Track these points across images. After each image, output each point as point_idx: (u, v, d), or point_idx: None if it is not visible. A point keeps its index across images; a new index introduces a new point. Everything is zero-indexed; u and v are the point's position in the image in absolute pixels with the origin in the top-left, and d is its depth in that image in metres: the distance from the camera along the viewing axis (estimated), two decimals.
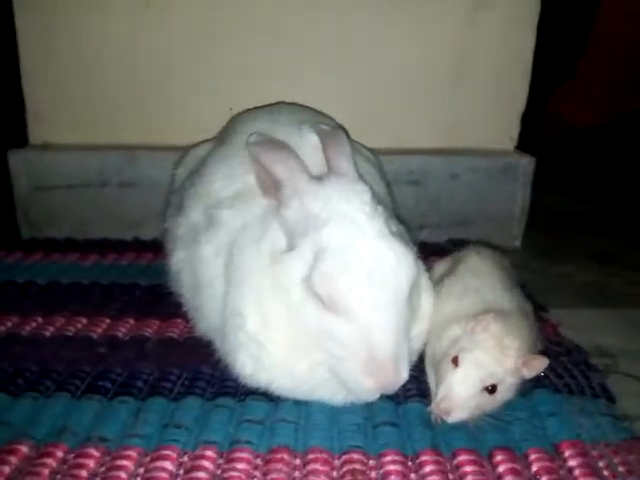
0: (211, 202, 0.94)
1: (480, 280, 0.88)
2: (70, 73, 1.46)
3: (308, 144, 0.94)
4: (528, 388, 0.85)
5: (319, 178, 0.82)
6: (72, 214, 1.51)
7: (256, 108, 1.18)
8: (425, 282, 0.88)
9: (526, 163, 1.53)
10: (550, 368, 0.90)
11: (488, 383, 0.72)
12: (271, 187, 0.83)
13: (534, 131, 1.97)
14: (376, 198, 0.82)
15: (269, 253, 0.80)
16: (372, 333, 0.72)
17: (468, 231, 1.52)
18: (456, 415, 0.72)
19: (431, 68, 1.49)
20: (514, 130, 1.56)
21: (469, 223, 1.55)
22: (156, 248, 1.33)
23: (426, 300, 0.85)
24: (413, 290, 0.78)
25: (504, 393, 0.74)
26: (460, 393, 0.72)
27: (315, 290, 0.73)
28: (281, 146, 0.85)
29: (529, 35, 1.47)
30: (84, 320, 1.07)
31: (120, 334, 1.03)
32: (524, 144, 1.58)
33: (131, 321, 1.07)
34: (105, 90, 1.48)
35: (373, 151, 1.23)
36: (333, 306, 0.72)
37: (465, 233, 1.51)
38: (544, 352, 0.93)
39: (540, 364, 0.73)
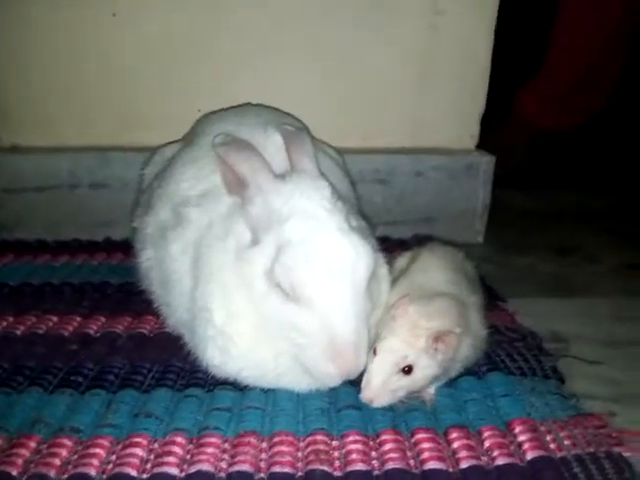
0: (178, 201, 0.97)
1: (426, 276, 0.92)
2: (39, 74, 1.47)
3: (272, 144, 0.98)
4: (483, 371, 0.90)
5: (282, 176, 0.86)
6: (43, 216, 1.52)
7: (222, 110, 1.21)
8: (384, 273, 0.92)
9: (487, 161, 1.59)
10: (505, 353, 0.96)
11: (402, 366, 0.76)
12: (236, 185, 0.86)
13: (498, 132, 2.04)
14: (337, 194, 0.86)
15: (234, 249, 0.83)
16: (332, 321, 0.76)
17: (432, 227, 1.57)
18: (379, 401, 0.77)
19: (395, 70, 1.54)
20: (475, 129, 1.62)
21: (433, 219, 1.60)
22: (127, 248, 1.35)
23: (385, 290, 0.89)
24: (372, 281, 0.83)
25: (424, 371, 0.77)
26: (377, 381, 0.76)
27: (277, 281, 0.77)
28: (246, 146, 0.89)
29: (486, 37, 1.53)
30: (55, 319, 1.09)
31: (91, 331, 1.05)
32: (484, 143, 1.63)
33: (102, 319, 1.09)
34: (75, 91, 1.49)
35: (339, 150, 1.27)
36: (295, 297, 0.76)
37: (430, 229, 1.56)
38: (498, 340, 1.00)
39: (451, 339, 0.76)
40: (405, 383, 0.78)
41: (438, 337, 0.76)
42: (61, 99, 1.50)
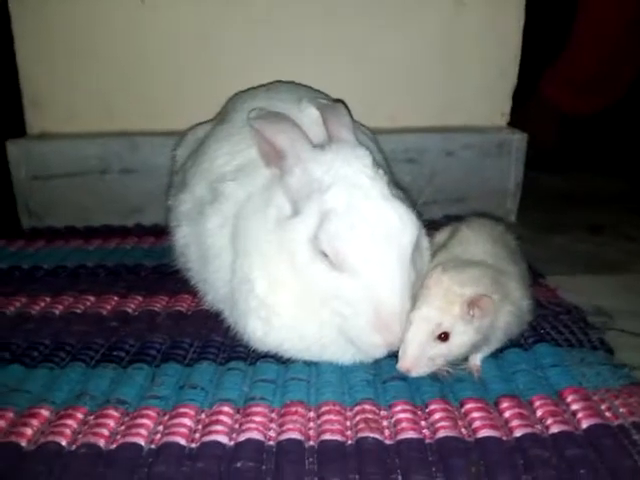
0: (214, 177, 0.97)
1: (463, 248, 0.90)
2: (67, 61, 1.47)
3: (308, 117, 0.96)
4: (530, 343, 0.88)
5: (321, 146, 0.84)
6: (73, 202, 1.52)
7: (253, 88, 1.20)
8: (426, 245, 0.90)
9: (518, 139, 1.55)
10: (551, 325, 0.94)
11: (437, 333, 0.75)
12: (274, 157, 0.85)
13: (527, 112, 2.00)
14: (376, 163, 0.84)
15: (274, 220, 0.82)
16: (378, 291, 0.74)
17: (464, 207, 1.55)
18: (416, 370, 0.76)
19: (424, 49, 1.51)
20: (506, 106, 1.59)
21: (464, 199, 1.58)
22: (158, 232, 1.36)
23: (426, 262, 0.87)
24: (415, 251, 0.81)
25: (461, 337, 0.76)
26: (412, 350, 0.75)
27: (322, 249, 0.75)
28: (282, 118, 0.88)
29: (517, 13, 1.50)
30: (92, 298, 1.09)
31: (130, 309, 1.05)
32: (516, 121, 1.60)
33: (139, 298, 1.09)
34: (103, 77, 1.49)
35: (369, 130, 1.25)
36: (339, 265, 0.75)
37: (461, 209, 1.53)
38: (542, 314, 0.97)
39: (485, 303, 0.74)
40: (442, 351, 0.76)
41: (472, 302, 0.75)
42: (89, 86, 1.50)
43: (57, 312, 1.04)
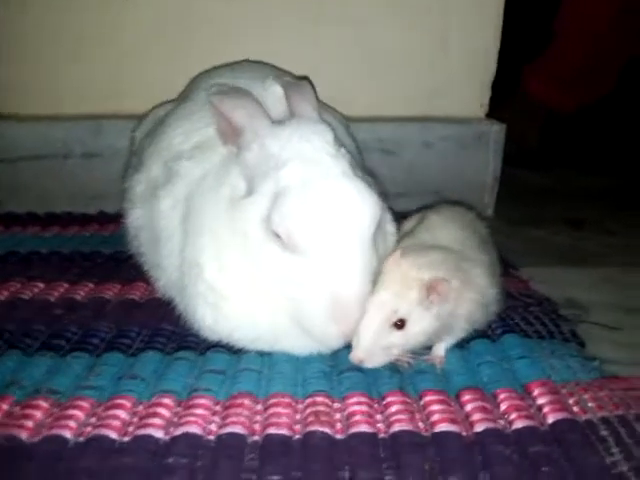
0: (170, 156, 0.91)
1: (430, 234, 0.86)
2: (32, 42, 1.40)
3: (272, 95, 0.92)
4: (498, 334, 0.83)
5: (281, 122, 0.79)
6: (36, 187, 1.45)
7: (219, 66, 1.14)
8: (391, 230, 0.85)
9: (497, 130, 1.51)
10: (521, 317, 0.89)
11: (394, 320, 0.70)
12: (231, 134, 0.80)
13: (510, 108, 1.97)
14: (339, 141, 0.79)
15: (228, 199, 0.77)
16: (335, 275, 0.69)
17: (440, 200, 1.50)
18: (371, 361, 0.71)
19: (402, 36, 1.46)
20: (485, 97, 1.55)
21: (441, 191, 1.53)
22: (120, 220, 1.29)
23: (392, 246, 0.82)
24: (378, 235, 0.76)
25: (419, 325, 0.71)
26: (366, 339, 0.69)
27: (274, 229, 0.70)
28: (242, 93, 0.82)
29: (497, 2, 1.46)
30: (41, 285, 1.03)
31: (78, 297, 0.99)
32: (494, 112, 1.56)
33: (90, 285, 1.03)
34: (67, 58, 1.42)
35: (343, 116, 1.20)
36: (293, 246, 0.69)
37: (437, 202, 1.48)
38: (512, 305, 0.93)
39: (444, 288, 0.70)
40: (399, 339, 0.71)
41: (431, 287, 0.70)
42: (54, 67, 1.43)
43: (2, 298, 0.98)
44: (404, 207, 1.44)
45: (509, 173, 1.58)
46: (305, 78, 0.98)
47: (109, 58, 1.42)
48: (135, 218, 0.95)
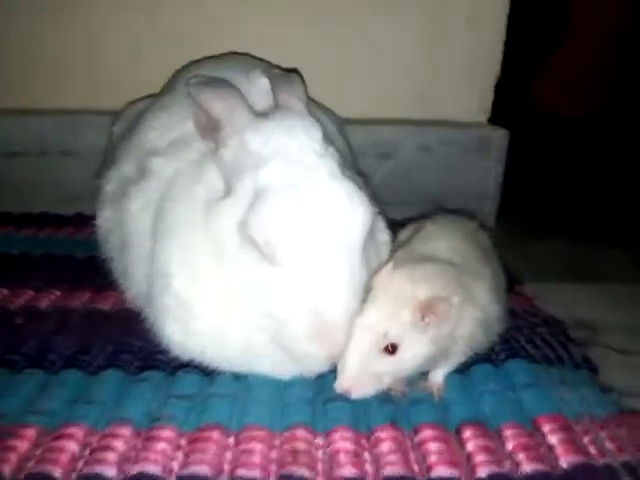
0: (144, 152, 0.83)
1: (427, 245, 0.78)
2: (6, 32, 1.31)
3: (257, 89, 0.83)
4: (501, 358, 0.75)
5: (264, 115, 0.71)
6: (10, 186, 1.37)
7: (202, 58, 1.06)
8: (384, 240, 0.77)
9: (500, 136, 1.43)
10: (526, 338, 0.81)
11: (384, 344, 0.61)
12: (210, 129, 0.71)
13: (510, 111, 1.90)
14: (330, 140, 0.71)
15: (203, 201, 0.68)
16: (317, 288, 0.61)
17: (439, 208, 1.42)
18: (358, 391, 0.62)
19: (399, 34, 1.38)
20: (487, 101, 1.47)
21: (440, 199, 1.45)
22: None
23: (384, 254, 0.74)
24: (369, 245, 0.68)
25: (412, 350, 0.62)
26: (352, 366, 0.61)
27: (251, 236, 0.61)
28: (223, 84, 0.74)
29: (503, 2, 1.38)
30: (5, 291, 0.95)
31: (43, 306, 0.90)
32: (497, 117, 1.48)
33: (57, 293, 0.95)
34: (44, 48, 1.33)
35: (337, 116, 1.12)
36: (272, 255, 0.61)
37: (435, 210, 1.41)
38: (517, 325, 0.85)
39: (443, 307, 0.61)
40: (389, 366, 0.62)
41: (427, 306, 0.61)
42: (30, 57, 1.34)
43: None
44: (399, 216, 1.37)
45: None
46: (294, 71, 0.89)
47: (88, 47, 1.33)
48: (104, 220, 0.87)
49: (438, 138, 1.41)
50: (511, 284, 1.00)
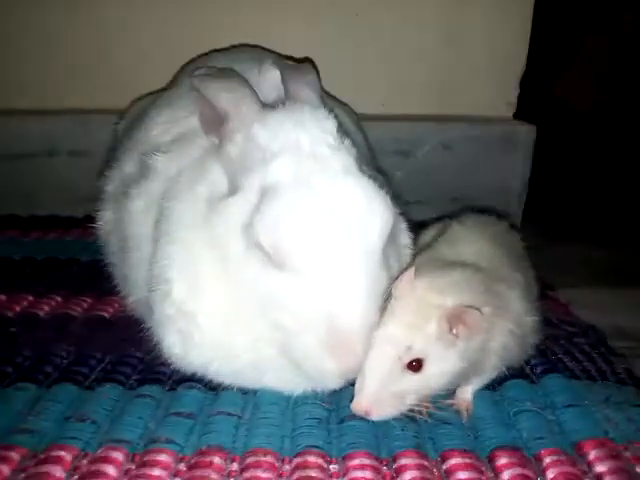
0: (146, 149, 0.77)
1: (452, 248, 0.71)
2: (12, 32, 1.28)
3: (268, 81, 0.77)
4: (537, 373, 0.68)
5: (273, 106, 0.65)
6: (18, 188, 1.33)
7: (211, 51, 1.01)
8: (406, 242, 0.70)
9: (526, 132, 1.36)
10: (564, 350, 0.73)
11: (408, 360, 0.55)
12: (215, 123, 0.66)
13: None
14: (345, 133, 0.65)
15: (206, 200, 0.63)
16: (332, 296, 0.54)
17: (464, 207, 1.35)
18: (379, 412, 0.55)
19: (419, 26, 1.32)
20: (512, 95, 1.40)
21: (462, 199, 1.38)
22: None
23: (406, 259, 0.67)
24: (390, 248, 0.61)
25: (439, 366, 0.55)
26: (372, 385, 0.54)
27: (258, 240, 0.55)
28: (229, 74, 0.68)
29: None
30: (2, 297, 0.90)
31: (42, 312, 0.86)
32: (523, 112, 1.41)
33: (58, 299, 0.91)
34: (51, 48, 1.30)
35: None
36: (281, 261, 0.55)
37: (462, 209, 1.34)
38: (552, 335, 0.77)
39: (474, 317, 0.54)
40: (414, 384, 0.56)
41: (455, 316, 0.55)
42: (37, 58, 1.31)
43: None
44: (418, 217, 1.30)
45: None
46: (308, 61, 0.83)
47: (96, 45, 1.29)
48: (105, 222, 0.81)
49: (460, 134, 1.35)
50: (542, 289, 0.93)
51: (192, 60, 1.02)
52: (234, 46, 1.03)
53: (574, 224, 1.46)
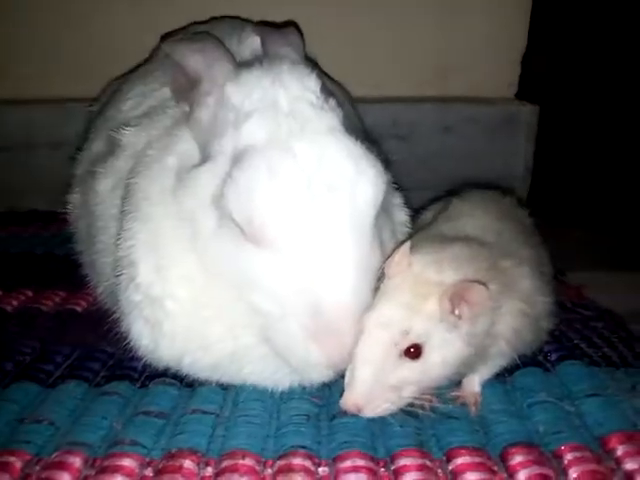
0: (115, 125, 0.71)
1: (455, 223, 0.64)
2: None
3: (248, 47, 0.71)
4: (552, 360, 0.61)
5: (247, 64, 0.58)
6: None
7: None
8: (402, 218, 0.64)
9: (529, 112, 1.30)
10: (580, 336, 0.67)
11: (405, 346, 0.48)
12: (187, 89, 0.59)
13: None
14: (330, 92, 0.58)
15: (175, 172, 0.56)
16: (316, 275, 0.47)
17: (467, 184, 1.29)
18: (372, 408, 0.48)
19: (418, 3, 1.26)
20: (514, 74, 1.34)
21: (463, 184, 1.31)
22: None
23: (401, 237, 0.60)
24: (383, 218, 0.54)
25: (441, 352, 0.48)
26: (364, 376, 0.47)
27: (230, 212, 0.48)
28: (202, 37, 0.62)
29: None
30: None
31: (9, 307, 0.79)
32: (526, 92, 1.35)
33: (28, 293, 0.85)
34: (28, 32, 1.24)
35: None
36: (256, 236, 0.48)
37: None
38: (567, 319, 0.70)
39: (479, 294, 0.47)
40: (413, 374, 0.49)
41: (457, 294, 0.48)
42: (15, 44, 1.25)
43: None
44: (417, 203, 1.23)
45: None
46: (291, 24, 0.76)
47: (76, 30, 1.23)
48: (73, 206, 0.75)
49: (460, 116, 1.29)
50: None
51: (168, 32, 0.96)
52: (214, 18, 0.96)
53: (578, 208, 1.41)
